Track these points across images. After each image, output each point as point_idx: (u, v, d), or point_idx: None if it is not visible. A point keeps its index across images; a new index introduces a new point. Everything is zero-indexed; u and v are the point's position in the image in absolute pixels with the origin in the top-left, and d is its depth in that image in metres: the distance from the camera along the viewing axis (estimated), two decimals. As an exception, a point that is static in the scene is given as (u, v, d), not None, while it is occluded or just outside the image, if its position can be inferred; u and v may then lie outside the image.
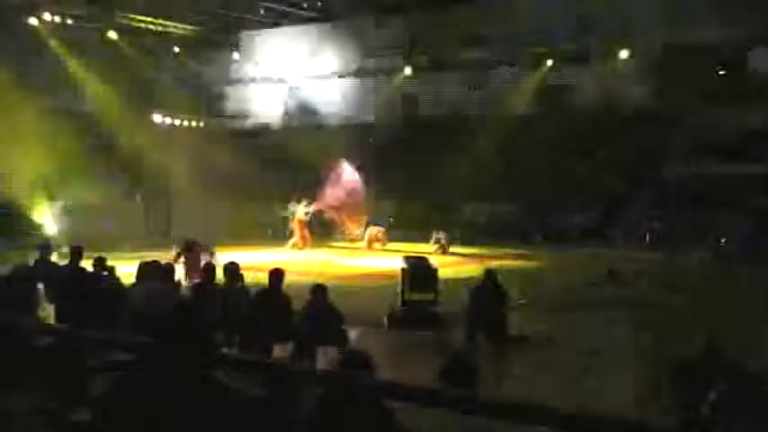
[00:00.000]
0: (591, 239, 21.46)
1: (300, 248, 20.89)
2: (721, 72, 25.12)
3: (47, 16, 23.05)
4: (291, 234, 21.56)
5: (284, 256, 18.75)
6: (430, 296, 10.41)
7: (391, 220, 24.75)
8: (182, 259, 12.46)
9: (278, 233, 23.21)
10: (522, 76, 27.51)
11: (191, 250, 12.79)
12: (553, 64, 26.62)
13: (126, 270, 10.20)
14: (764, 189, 21.70)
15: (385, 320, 10.33)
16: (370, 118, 29.42)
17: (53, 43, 23.45)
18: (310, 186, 22.47)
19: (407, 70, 28.76)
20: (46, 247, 10.45)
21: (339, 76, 29.94)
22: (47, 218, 20.96)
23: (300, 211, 21.45)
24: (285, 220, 23.13)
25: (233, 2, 26.94)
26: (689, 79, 24.89)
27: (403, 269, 10.79)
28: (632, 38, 24.58)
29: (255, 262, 14.34)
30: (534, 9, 25.47)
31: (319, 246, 21.49)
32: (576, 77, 26.37)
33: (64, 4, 23.17)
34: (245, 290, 8.63)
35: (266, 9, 27.88)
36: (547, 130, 26.92)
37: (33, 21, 22.94)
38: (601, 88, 25.97)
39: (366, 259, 18.98)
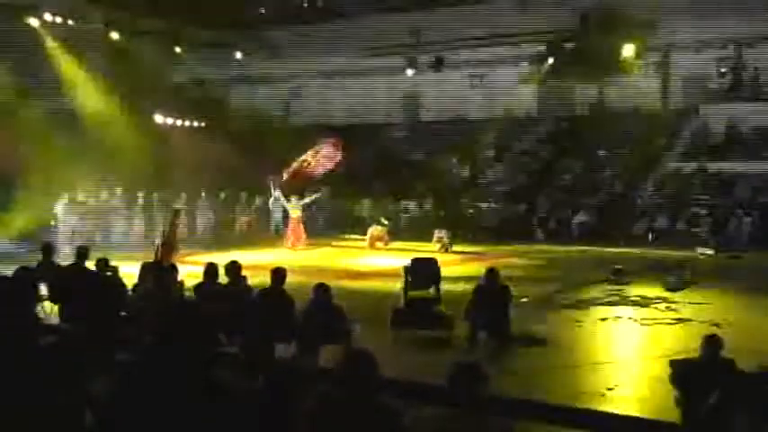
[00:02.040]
0: (593, 238, 21.42)
1: (292, 247, 20.20)
2: (723, 70, 25.10)
3: (47, 17, 23.00)
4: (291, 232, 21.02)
5: (286, 255, 18.73)
6: (429, 294, 10.41)
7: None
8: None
9: (280, 230, 23.07)
10: (523, 75, 27.48)
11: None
12: (554, 63, 26.58)
13: (129, 270, 10.21)
14: (766, 186, 21.70)
15: (388, 319, 10.32)
16: (373, 119, 29.42)
17: (54, 44, 23.40)
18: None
19: (409, 71, 28.74)
20: (49, 247, 10.50)
21: (342, 77, 29.93)
22: (51, 218, 20.95)
23: (294, 206, 21.02)
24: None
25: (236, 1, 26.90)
26: (691, 78, 24.91)
27: (405, 267, 10.81)
28: (634, 37, 24.55)
29: (258, 261, 14.35)
30: (535, 8, 25.43)
31: (321, 245, 21.44)
32: (576, 77, 26.33)
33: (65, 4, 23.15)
34: (247, 289, 8.63)
35: (269, 8, 27.88)
36: (547, 129, 26.96)
37: (34, 21, 22.90)
38: (601, 87, 25.95)
39: (369, 258, 18.98)
